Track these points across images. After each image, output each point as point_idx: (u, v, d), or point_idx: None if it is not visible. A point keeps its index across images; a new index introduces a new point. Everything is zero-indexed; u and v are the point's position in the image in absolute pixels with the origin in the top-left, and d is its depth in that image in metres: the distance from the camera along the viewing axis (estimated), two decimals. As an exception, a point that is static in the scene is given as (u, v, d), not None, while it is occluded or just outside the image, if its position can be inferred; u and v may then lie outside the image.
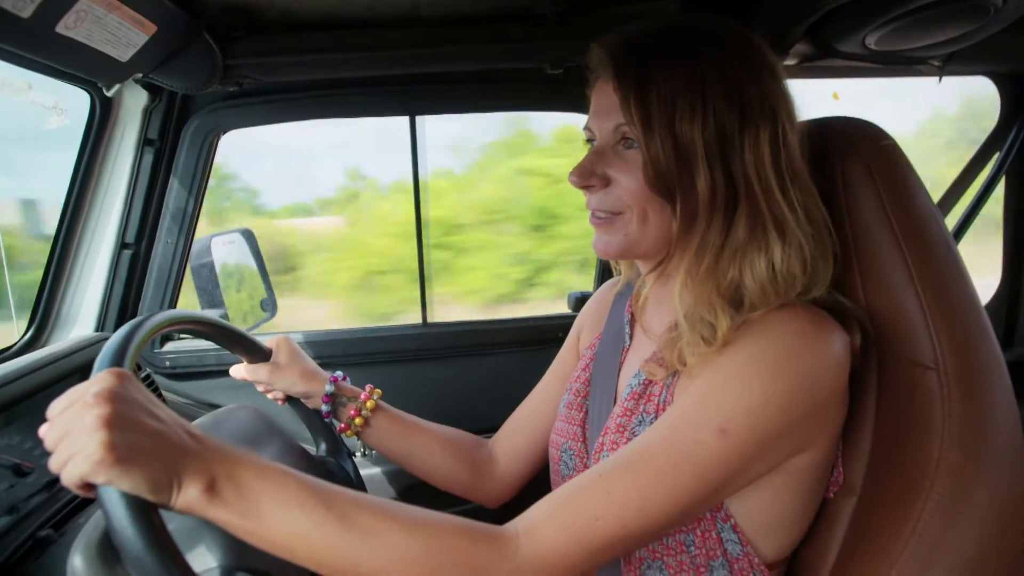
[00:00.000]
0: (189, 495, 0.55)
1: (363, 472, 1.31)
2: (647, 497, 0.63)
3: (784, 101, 0.72)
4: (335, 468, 1.02)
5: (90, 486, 0.54)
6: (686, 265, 0.73)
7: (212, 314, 1.32)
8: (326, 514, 0.58)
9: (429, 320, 1.56)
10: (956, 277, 0.73)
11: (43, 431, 0.56)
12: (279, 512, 0.57)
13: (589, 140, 0.79)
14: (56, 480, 0.88)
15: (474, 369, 1.53)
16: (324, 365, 1.03)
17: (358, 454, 1.39)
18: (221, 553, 0.67)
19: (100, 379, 0.57)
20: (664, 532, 0.69)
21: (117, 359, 0.62)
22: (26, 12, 0.71)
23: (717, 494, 0.67)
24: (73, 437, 0.53)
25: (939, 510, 0.66)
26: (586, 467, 0.86)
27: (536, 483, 1.03)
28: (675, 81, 0.68)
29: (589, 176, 0.75)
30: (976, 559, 0.65)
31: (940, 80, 1.38)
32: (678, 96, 0.68)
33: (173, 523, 0.56)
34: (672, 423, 0.67)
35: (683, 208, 0.71)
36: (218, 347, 1.24)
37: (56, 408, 0.57)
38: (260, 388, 1.01)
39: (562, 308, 1.64)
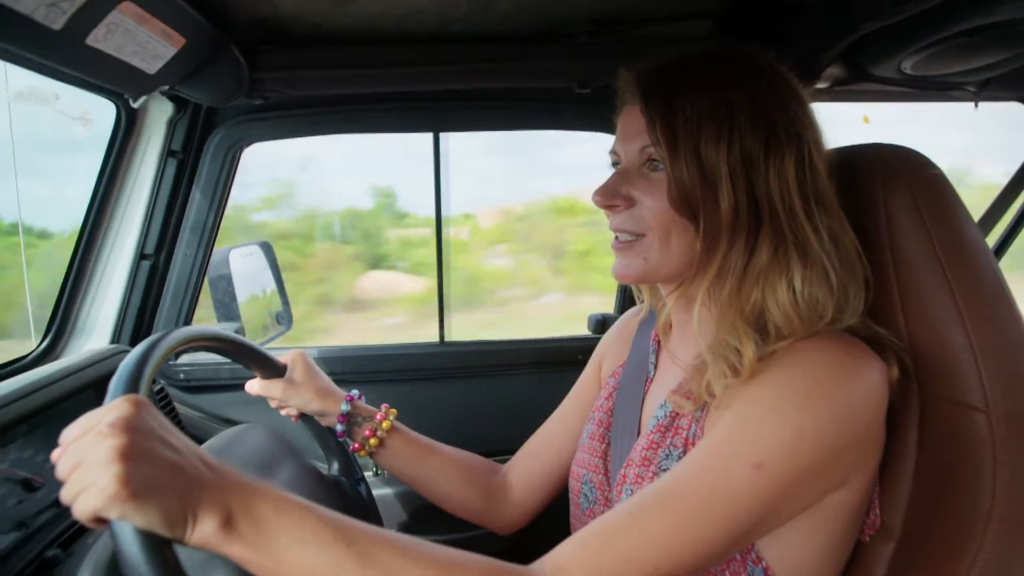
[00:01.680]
0: (205, 530, 0.53)
1: (375, 492, 1.29)
2: (679, 537, 0.61)
3: (811, 126, 0.73)
4: (348, 488, 0.99)
5: (103, 519, 0.52)
6: (706, 287, 0.72)
7: (226, 329, 1.31)
8: (346, 552, 0.56)
9: (446, 339, 1.54)
10: (1007, 314, 0.70)
11: (55, 457, 0.54)
12: (297, 548, 0.55)
13: (615, 164, 0.79)
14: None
15: (491, 390, 1.51)
16: (338, 382, 1.01)
17: (370, 473, 1.37)
18: None
19: (115, 407, 0.55)
20: (697, 573, 0.66)
21: (132, 383, 0.61)
22: (58, 24, 0.70)
23: (751, 533, 0.65)
24: (86, 469, 0.52)
25: (991, 564, 0.62)
26: (607, 500, 0.84)
27: (553, 513, 1.00)
28: (702, 106, 0.69)
29: (613, 196, 0.75)
30: None
31: (976, 106, 1.36)
32: (704, 120, 0.69)
33: (185, 551, 0.54)
34: (703, 459, 0.65)
35: (706, 229, 0.70)
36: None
37: (69, 435, 0.55)
38: (273, 404, 0.99)
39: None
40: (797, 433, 0.62)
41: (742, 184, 0.69)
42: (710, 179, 0.69)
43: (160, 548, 0.51)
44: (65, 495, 0.53)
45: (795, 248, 0.69)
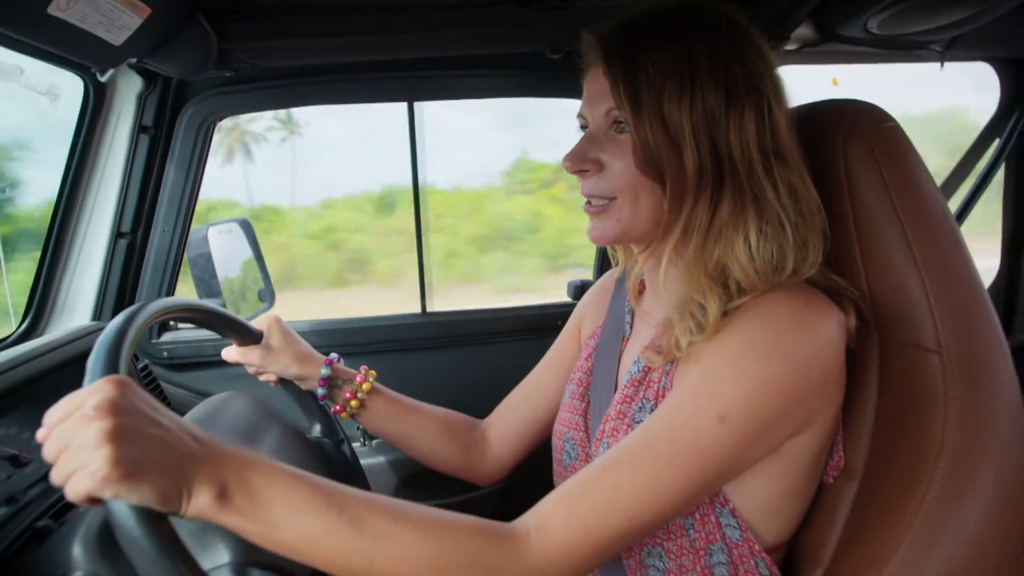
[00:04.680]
0: (200, 503, 0.54)
1: (364, 461, 1.31)
2: (652, 488, 0.64)
3: (771, 80, 0.72)
4: (331, 449, 1.01)
5: (96, 499, 0.52)
6: (673, 245, 0.73)
7: (199, 299, 1.31)
8: (339, 517, 0.58)
9: (428, 309, 1.55)
10: (959, 259, 0.72)
11: (41, 438, 0.54)
12: (292, 517, 0.57)
13: (583, 127, 0.79)
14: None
15: (473, 358, 1.53)
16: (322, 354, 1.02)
17: (357, 444, 1.39)
18: (232, 549, 0.66)
19: (99, 388, 0.54)
20: (670, 521, 0.70)
21: (112, 362, 0.60)
22: (17, -7, 0.69)
23: (718, 480, 0.68)
24: (75, 452, 0.51)
25: (942, 494, 0.66)
26: (588, 456, 0.86)
27: (538, 473, 1.03)
28: (663, 64, 0.69)
29: (583, 161, 0.75)
30: (981, 543, 0.65)
31: (942, 66, 1.38)
32: (666, 79, 0.69)
33: (182, 520, 0.55)
34: (671, 412, 0.67)
35: (672, 189, 0.71)
36: (217, 336, 1.23)
37: (53, 417, 0.54)
38: (251, 371, 0.99)
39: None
40: (758, 385, 0.65)
41: (705, 142, 0.69)
42: (674, 139, 0.69)
43: (157, 522, 0.52)
44: (55, 477, 0.53)
45: (752, 204, 0.70)
